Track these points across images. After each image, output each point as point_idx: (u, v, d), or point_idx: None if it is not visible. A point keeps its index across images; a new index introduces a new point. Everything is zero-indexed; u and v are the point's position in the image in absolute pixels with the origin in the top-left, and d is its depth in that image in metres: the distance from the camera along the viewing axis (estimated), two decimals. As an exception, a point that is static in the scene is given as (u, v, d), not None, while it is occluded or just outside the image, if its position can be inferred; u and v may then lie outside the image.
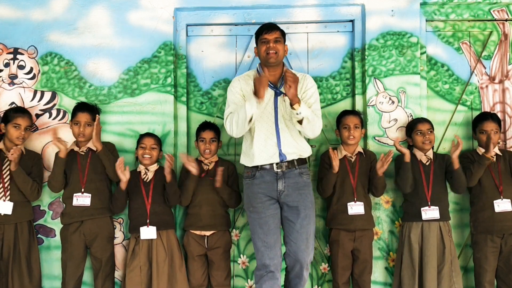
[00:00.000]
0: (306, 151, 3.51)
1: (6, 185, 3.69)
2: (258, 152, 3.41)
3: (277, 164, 3.41)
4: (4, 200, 3.67)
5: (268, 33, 3.41)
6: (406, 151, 3.66)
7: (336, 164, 3.62)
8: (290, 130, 3.43)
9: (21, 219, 3.73)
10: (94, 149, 3.76)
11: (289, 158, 3.41)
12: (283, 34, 3.48)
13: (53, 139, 3.71)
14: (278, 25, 3.51)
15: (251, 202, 3.44)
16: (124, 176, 3.62)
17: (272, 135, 3.41)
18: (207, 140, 3.75)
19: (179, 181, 3.85)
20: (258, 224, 3.40)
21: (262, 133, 3.42)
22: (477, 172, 3.71)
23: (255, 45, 3.51)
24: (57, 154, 3.71)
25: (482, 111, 4.04)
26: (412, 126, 3.80)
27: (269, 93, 3.40)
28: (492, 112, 3.97)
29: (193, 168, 3.62)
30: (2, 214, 3.65)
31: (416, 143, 3.78)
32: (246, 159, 3.50)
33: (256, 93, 3.24)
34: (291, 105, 3.28)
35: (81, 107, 3.81)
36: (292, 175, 3.42)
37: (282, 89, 3.43)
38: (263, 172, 3.42)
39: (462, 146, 3.66)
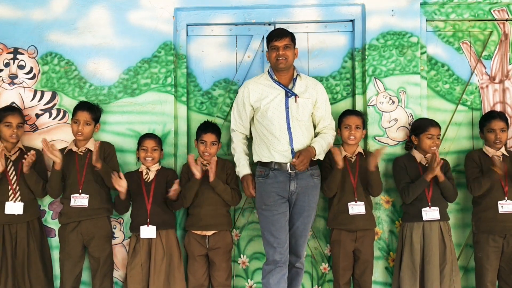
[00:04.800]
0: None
1: (14, 186, 3.71)
2: (271, 150, 3.54)
3: (290, 165, 3.51)
4: (14, 201, 3.69)
5: (278, 40, 3.52)
6: (432, 174, 3.59)
7: (339, 159, 3.59)
8: (301, 130, 3.56)
9: (32, 217, 3.77)
10: (92, 149, 3.76)
11: None
12: (293, 39, 3.60)
13: (46, 150, 3.58)
14: (287, 28, 3.64)
15: (264, 201, 3.54)
16: (121, 187, 3.62)
17: (284, 134, 3.53)
18: (208, 143, 3.74)
19: (180, 181, 3.84)
20: (270, 222, 3.51)
21: (275, 132, 3.53)
22: (485, 185, 3.69)
23: (266, 50, 3.65)
24: (53, 166, 3.66)
25: (483, 111, 4.04)
26: (423, 127, 3.73)
27: (280, 94, 3.57)
28: (499, 111, 3.95)
29: (197, 172, 3.62)
30: (16, 214, 3.68)
31: (422, 145, 3.74)
32: (259, 156, 3.60)
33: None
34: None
35: (81, 106, 3.80)
36: (304, 176, 3.55)
37: (293, 90, 3.58)
38: (277, 172, 3.53)
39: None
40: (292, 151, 3.52)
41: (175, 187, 3.62)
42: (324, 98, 3.70)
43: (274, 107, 3.54)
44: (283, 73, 3.61)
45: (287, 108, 3.54)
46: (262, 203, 3.56)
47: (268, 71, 3.65)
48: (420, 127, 3.76)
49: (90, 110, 3.77)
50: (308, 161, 3.50)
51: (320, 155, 3.60)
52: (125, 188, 3.63)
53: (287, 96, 3.56)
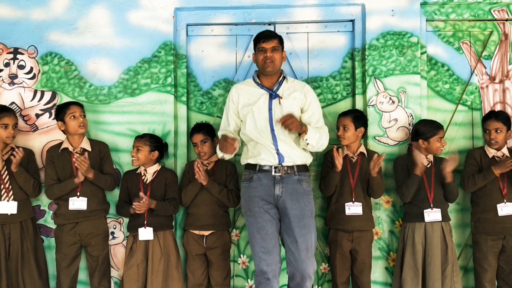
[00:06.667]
0: (304, 156, 3.45)
1: (7, 185, 3.70)
2: (257, 152, 3.39)
3: (275, 167, 3.37)
4: (8, 200, 3.68)
5: (265, 41, 3.38)
6: (421, 166, 3.60)
7: (339, 162, 3.59)
8: (285, 132, 3.35)
9: (26, 217, 3.75)
10: (88, 149, 3.75)
11: (287, 159, 3.37)
12: (281, 41, 3.46)
13: (81, 163, 3.58)
14: (276, 28, 3.58)
15: (248, 206, 3.41)
16: (141, 212, 3.66)
17: (268, 136, 3.37)
18: (198, 144, 3.75)
19: (180, 182, 3.86)
20: (255, 229, 3.36)
21: (258, 134, 3.39)
22: (480, 184, 3.69)
23: (253, 52, 3.50)
24: (73, 179, 3.66)
25: (483, 111, 4.04)
26: (434, 131, 3.68)
27: (264, 96, 3.43)
28: (499, 110, 3.91)
29: (203, 178, 3.64)
30: (9, 214, 3.67)
31: (433, 147, 3.69)
32: (245, 159, 3.50)
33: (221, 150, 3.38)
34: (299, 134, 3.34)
35: (70, 102, 3.80)
36: (291, 181, 3.38)
37: (278, 92, 3.42)
38: (261, 175, 3.38)
39: (458, 159, 3.64)
40: (277, 152, 3.35)
41: (142, 199, 3.59)
42: (311, 100, 3.47)
43: (258, 109, 3.39)
44: (268, 77, 3.44)
45: (270, 109, 3.38)
46: (247, 209, 3.42)
47: (253, 77, 3.49)
48: (430, 131, 3.69)
49: (80, 105, 3.79)
50: (296, 125, 3.24)
51: (310, 139, 3.33)
52: (145, 210, 3.65)
53: (271, 98, 3.40)
